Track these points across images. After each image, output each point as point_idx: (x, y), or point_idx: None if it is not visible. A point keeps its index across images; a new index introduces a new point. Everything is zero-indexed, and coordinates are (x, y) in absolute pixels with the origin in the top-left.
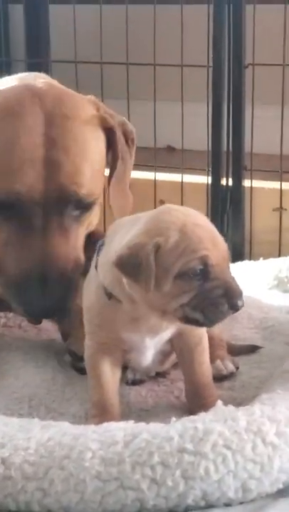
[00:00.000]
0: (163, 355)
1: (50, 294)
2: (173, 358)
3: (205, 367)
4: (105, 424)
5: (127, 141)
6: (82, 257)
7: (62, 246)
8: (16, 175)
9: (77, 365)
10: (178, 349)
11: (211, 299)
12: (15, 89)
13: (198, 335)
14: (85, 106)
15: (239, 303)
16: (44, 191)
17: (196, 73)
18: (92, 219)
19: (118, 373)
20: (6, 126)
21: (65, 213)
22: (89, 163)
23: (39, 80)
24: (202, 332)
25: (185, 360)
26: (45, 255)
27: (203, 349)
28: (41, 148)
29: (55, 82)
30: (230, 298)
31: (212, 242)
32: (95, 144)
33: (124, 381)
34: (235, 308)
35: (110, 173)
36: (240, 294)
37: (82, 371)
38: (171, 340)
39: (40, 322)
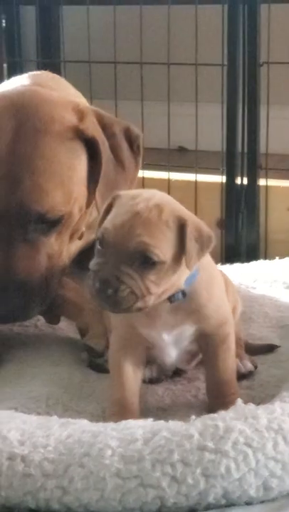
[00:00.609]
0: (190, 354)
1: (6, 303)
2: (200, 357)
3: (228, 364)
4: (124, 422)
5: (132, 147)
6: (61, 263)
7: (25, 259)
8: None
9: (95, 361)
10: (203, 346)
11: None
12: None
13: (223, 333)
14: (64, 117)
15: (96, 286)
16: (5, 206)
17: (209, 74)
18: (79, 226)
19: (140, 373)
20: None
21: (29, 228)
22: (57, 180)
23: (35, 82)
24: (228, 330)
25: (209, 357)
26: (5, 267)
27: (228, 347)
28: (5, 164)
29: (55, 83)
30: (95, 280)
31: (120, 222)
32: (67, 159)
33: (142, 379)
34: (95, 290)
35: (98, 183)
36: (103, 281)
37: (99, 368)
38: (197, 340)
39: (56, 322)
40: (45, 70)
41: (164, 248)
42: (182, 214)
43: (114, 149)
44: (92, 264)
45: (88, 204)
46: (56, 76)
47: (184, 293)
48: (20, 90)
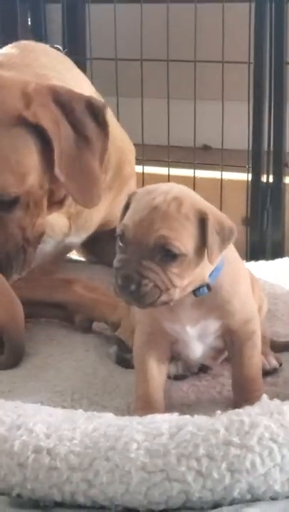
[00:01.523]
0: (216, 350)
1: None
2: (226, 353)
3: (254, 361)
4: (150, 416)
5: (97, 120)
6: (36, 233)
7: None
8: None
9: (123, 356)
10: (229, 343)
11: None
12: None
13: (248, 330)
14: (8, 104)
15: (120, 283)
16: None
17: (235, 72)
18: (55, 199)
19: (165, 368)
20: None
21: None
22: (3, 165)
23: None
24: (253, 327)
25: (235, 353)
26: None
27: (254, 344)
28: None
29: (32, 56)
30: (118, 277)
31: (139, 218)
32: (13, 145)
33: (167, 376)
34: (118, 287)
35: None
36: (126, 277)
37: (126, 364)
38: (222, 336)
39: (89, 329)
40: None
41: (184, 241)
42: (202, 207)
43: (76, 125)
44: (115, 261)
45: (54, 181)
46: (37, 47)
47: (208, 287)
48: None
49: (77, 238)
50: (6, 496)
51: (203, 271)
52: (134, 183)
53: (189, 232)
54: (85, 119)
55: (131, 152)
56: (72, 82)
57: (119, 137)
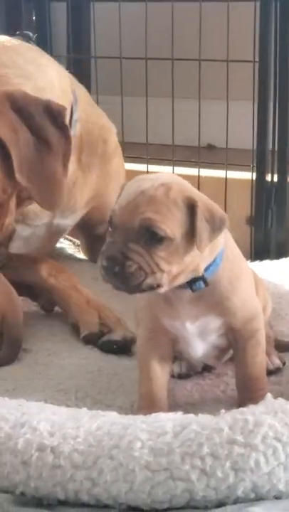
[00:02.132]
0: (219, 350)
1: None
2: (230, 353)
3: (257, 360)
4: (154, 415)
5: (57, 123)
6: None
7: None
8: None
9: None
10: (232, 341)
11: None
12: None
13: (252, 328)
14: None
15: (104, 264)
16: None
17: (240, 72)
18: (6, 213)
19: (168, 367)
20: None
21: None
22: None
23: None
24: (257, 326)
25: (238, 352)
26: None
27: (257, 342)
28: None
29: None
30: (103, 259)
31: (126, 203)
32: None
33: (170, 375)
34: (103, 269)
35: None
36: (109, 258)
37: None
38: (225, 334)
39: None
40: (75, 65)
41: (170, 224)
42: (192, 194)
43: (35, 130)
44: (104, 245)
45: (15, 186)
46: (14, 46)
47: (205, 282)
48: None
49: (66, 220)
50: (10, 494)
51: (196, 260)
52: (119, 163)
53: (176, 217)
54: (44, 123)
55: (109, 130)
56: (35, 75)
57: (94, 116)
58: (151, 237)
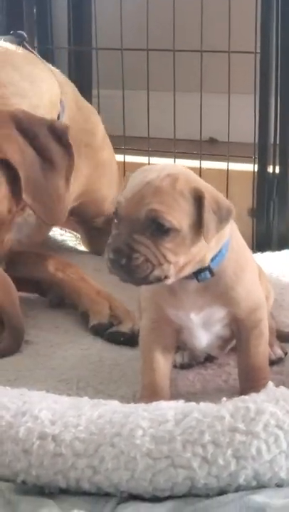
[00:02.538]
0: (222, 340)
1: None
2: (233, 343)
3: (260, 350)
4: (156, 403)
5: (61, 142)
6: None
7: None
8: None
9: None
10: (235, 331)
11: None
12: None
13: (255, 318)
14: None
15: (110, 256)
16: None
17: (241, 65)
18: (7, 230)
19: (171, 357)
20: None
21: None
22: None
23: None
24: (260, 316)
25: (241, 342)
26: None
27: (261, 333)
28: None
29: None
30: (109, 251)
31: (131, 194)
32: None
33: (173, 365)
34: (110, 261)
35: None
36: (115, 250)
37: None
38: (229, 324)
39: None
40: (76, 57)
41: (177, 215)
42: (199, 185)
43: (40, 150)
44: (109, 238)
45: (20, 204)
46: (10, 58)
47: (211, 272)
48: None
49: None
50: (11, 483)
51: (202, 251)
52: (109, 155)
53: (183, 208)
54: (48, 143)
55: (96, 125)
56: (30, 93)
57: (81, 121)
58: (158, 229)
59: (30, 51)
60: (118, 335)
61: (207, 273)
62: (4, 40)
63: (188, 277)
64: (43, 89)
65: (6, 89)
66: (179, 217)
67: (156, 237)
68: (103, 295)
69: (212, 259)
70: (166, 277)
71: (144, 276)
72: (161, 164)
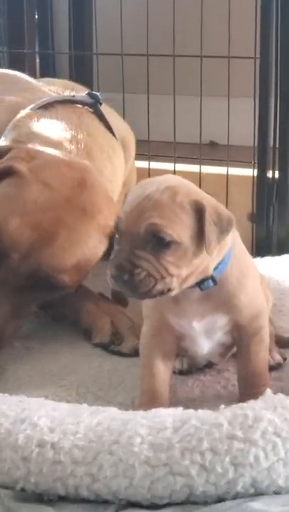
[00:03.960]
0: (224, 347)
1: None
2: (234, 350)
3: (260, 356)
4: (154, 410)
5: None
6: None
7: None
8: None
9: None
10: (236, 337)
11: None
12: None
13: (256, 325)
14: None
15: (112, 272)
16: None
17: (241, 69)
18: None
19: (170, 364)
20: None
21: None
22: None
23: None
24: (261, 323)
25: (241, 348)
26: None
27: (261, 339)
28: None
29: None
30: (111, 267)
31: (130, 209)
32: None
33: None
34: (112, 277)
35: None
36: (117, 266)
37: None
38: (231, 332)
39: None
40: (77, 62)
41: (177, 229)
42: (199, 197)
43: None
44: (112, 254)
45: None
46: (99, 141)
47: (214, 281)
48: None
49: None
50: (10, 490)
51: (205, 262)
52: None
53: (183, 221)
54: None
55: (132, 144)
56: (114, 178)
57: (121, 131)
58: (158, 243)
59: (102, 115)
60: (120, 353)
61: (210, 282)
62: (80, 98)
63: (191, 286)
64: (116, 164)
65: (109, 184)
66: (180, 230)
67: (158, 251)
68: (104, 309)
69: (215, 268)
70: (169, 290)
71: (147, 291)
72: (161, 177)
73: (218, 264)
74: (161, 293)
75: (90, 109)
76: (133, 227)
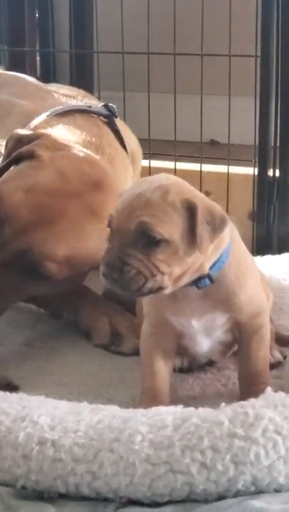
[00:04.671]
0: (224, 345)
1: None
2: (235, 348)
3: (260, 354)
4: (155, 408)
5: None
6: None
7: None
8: None
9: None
10: (236, 335)
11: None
12: None
13: (257, 323)
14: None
15: (103, 270)
16: None
17: (242, 67)
18: None
19: (171, 362)
20: None
21: None
22: None
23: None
24: (262, 321)
25: (241, 346)
26: None
27: (261, 337)
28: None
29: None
30: (102, 265)
31: (122, 207)
32: None
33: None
34: (103, 275)
35: None
36: (108, 264)
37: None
38: (231, 330)
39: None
40: (77, 60)
41: (167, 227)
42: (191, 196)
43: None
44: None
45: None
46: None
47: (211, 279)
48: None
49: None
50: (11, 488)
51: (199, 261)
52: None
53: (174, 220)
54: None
55: (140, 158)
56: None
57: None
58: (149, 241)
59: (116, 128)
60: (120, 353)
61: (207, 280)
62: (96, 109)
63: (188, 284)
64: (127, 177)
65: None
66: (170, 228)
67: (148, 249)
68: (102, 309)
69: (212, 267)
70: (161, 288)
71: (138, 289)
72: (155, 176)
73: (215, 262)
74: (153, 291)
75: (104, 120)
76: (124, 226)
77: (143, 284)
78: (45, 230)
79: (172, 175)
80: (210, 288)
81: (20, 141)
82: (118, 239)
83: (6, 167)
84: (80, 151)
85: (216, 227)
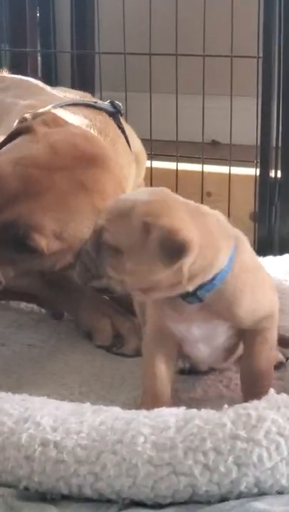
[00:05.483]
0: (226, 352)
1: None
2: (238, 353)
3: (263, 356)
4: (157, 410)
5: None
6: None
7: None
8: None
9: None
10: (240, 338)
11: None
12: None
13: (260, 327)
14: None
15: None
16: None
17: (244, 68)
18: None
19: (172, 364)
20: None
21: None
22: None
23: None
24: (266, 325)
25: (245, 348)
26: None
27: (265, 339)
28: None
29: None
30: None
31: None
32: None
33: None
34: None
35: None
36: (79, 252)
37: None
38: (233, 336)
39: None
40: (79, 61)
41: (118, 237)
42: (156, 222)
43: None
44: None
45: None
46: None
47: (199, 299)
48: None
49: None
50: (13, 489)
51: (171, 280)
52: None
53: (129, 235)
54: None
55: (144, 160)
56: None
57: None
58: (104, 243)
59: (121, 125)
60: (122, 354)
61: (194, 299)
62: (102, 105)
63: (177, 297)
64: (131, 174)
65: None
66: (121, 239)
67: (100, 251)
68: (103, 310)
69: (202, 287)
70: (106, 290)
71: (84, 283)
72: (150, 189)
73: (205, 284)
74: (102, 290)
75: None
76: (96, 224)
77: (87, 280)
78: (32, 202)
79: (167, 190)
80: (210, 297)
81: (24, 120)
82: (92, 234)
83: (6, 142)
84: (79, 128)
85: (173, 255)
